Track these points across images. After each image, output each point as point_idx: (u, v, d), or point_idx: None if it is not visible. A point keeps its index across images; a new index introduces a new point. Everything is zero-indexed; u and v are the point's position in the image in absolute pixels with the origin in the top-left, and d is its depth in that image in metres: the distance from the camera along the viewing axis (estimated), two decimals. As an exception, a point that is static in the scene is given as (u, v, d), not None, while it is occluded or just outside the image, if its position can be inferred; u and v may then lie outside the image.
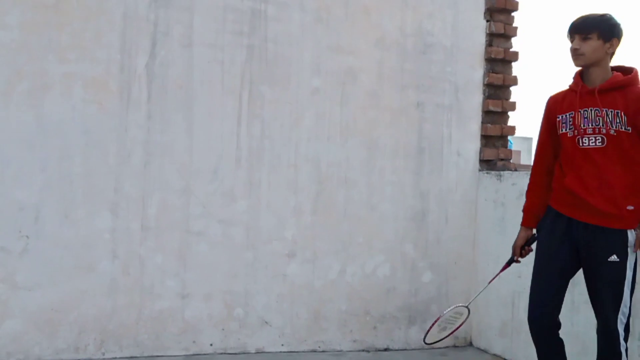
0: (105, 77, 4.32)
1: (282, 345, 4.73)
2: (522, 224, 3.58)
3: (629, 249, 3.13)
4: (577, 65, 3.21)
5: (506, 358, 4.82)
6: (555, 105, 3.34)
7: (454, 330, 3.72)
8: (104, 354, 4.34)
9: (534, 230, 3.54)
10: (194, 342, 4.53)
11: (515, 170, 5.19)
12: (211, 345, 4.57)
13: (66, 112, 4.24)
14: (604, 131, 3.11)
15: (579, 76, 3.26)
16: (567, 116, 3.24)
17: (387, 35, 4.97)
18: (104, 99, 4.32)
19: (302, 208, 4.77)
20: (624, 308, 3.13)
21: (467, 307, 3.71)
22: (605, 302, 3.17)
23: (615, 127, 3.09)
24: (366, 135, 4.92)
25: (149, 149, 4.41)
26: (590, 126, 3.15)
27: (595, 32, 3.13)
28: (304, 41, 4.76)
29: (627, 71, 3.23)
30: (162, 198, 4.45)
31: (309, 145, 4.78)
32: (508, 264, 3.61)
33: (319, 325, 4.82)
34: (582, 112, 3.18)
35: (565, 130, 3.25)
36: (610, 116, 3.10)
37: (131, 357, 4.39)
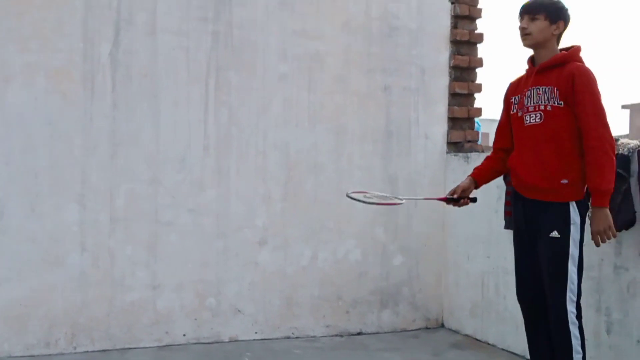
0: (68, 66, 4.25)
1: (256, 333, 4.73)
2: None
3: (572, 226, 3.16)
4: (525, 44, 3.32)
5: (477, 338, 4.88)
6: (511, 89, 3.50)
7: (378, 203, 3.82)
8: (75, 348, 4.30)
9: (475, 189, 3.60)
10: (166, 332, 4.51)
11: (483, 151, 5.23)
12: (184, 335, 4.55)
13: (29, 103, 4.17)
14: (542, 107, 3.22)
15: (531, 59, 3.40)
16: (518, 97, 3.38)
17: (353, 19, 4.96)
18: (68, 89, 4.25)
19: (272, 195, 4.76)
20: (571, 285, 3.14)
21: (401, 201, 3.76)
22: (551, 278, 3.19)
23: (551, 103, 3.19)
24: (334, 120, 4.92)
25: (115, 139, 4.36)
26: (532, 104, 3.27)
27: (542, 13, 3.25)
28: (269, 26, 4.73)
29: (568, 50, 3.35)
30: (130, 189, 4.40)
31: (277, 132, 4.76)
32: (446, 199, 3.56)
33: (291, 311, 4.83)
34: (527, 91, 3.31)
35: (515, 110, 3.38)
36: (547, 93, 3.21)
37: (103, 350, 4.35)
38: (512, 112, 3.40)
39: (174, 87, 4.49)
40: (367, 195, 3.71)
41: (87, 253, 4.31)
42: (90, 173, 4.31)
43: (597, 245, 3.16)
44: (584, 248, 3.20)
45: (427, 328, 5.20)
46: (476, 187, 3.57)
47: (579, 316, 3.16)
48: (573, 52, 3.28)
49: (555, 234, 3.16)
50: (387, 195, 3.84)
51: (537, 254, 3.30)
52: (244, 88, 4.67)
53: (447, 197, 3.55)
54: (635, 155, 3.63)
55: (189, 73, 4.53)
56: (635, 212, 3.58)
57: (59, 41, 4.22)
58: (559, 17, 3.27)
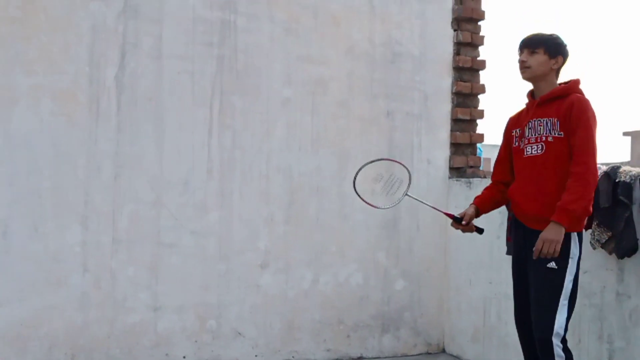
0: (74, 89, 4.29)
1: (256, 356, 4.71)
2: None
3: (570, 260, 3.17)
4: (523, 77, 3.39)
5: (479, 364, 4.86)
6: (511, 123, 3.56)
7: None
8: (75, 369, 4.28)
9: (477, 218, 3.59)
10: (166, 355, 4.49)
11: (485, 177, 5.25)
12: (184, 357, 4.54)
13: (34, 125, 4.20)
14: (543, 139, 3.27)
15: (530, 93, 3.46)
16: (519, 130, 3.43)
17: (357, 45, 5.01)
18: (73, 111, 4.28)
19: (275, 218, 4.77)
20: (559, 319, 3.12)
21: (405, 193, 3.72)
22: (541, 309, 3.17)
23: (552, 134, 3.24)
24: (337, 144, 4.95)
25: (119, 161, 4.38)
26: (533, 136, 3.32)
27: (542, 47, 3.33)
28: (274, 52, 4.78)
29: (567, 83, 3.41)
30: (133, 210, 4.41)
31: (281, 155, 4.79)
32: (453, 217, 3.56)
33: (292, 335, 4.82)
34: (528, 124, 3.36)
35: (517, 143, 3.43)
36: (548, 124, 3.27)
37: (103, 372, 4.34)
38: (514, 145, 3.45)
39: (178, 111, 4.53)
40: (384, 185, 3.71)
41: (89, 274, 4.32)
42: (94, 194, 4.33)
43: (535, 253, 3.14)
44: (586, 275, 3.21)
45: (428, 353, 5.18)
46: (477, 216, 3.59)
47: (565, 349, 3.14)
48: (573, 85, 3.35)
49: (552, 264, 3.16)
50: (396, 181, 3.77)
51: (531, 284, 3.28)
52: (248, 112, 4.70)
53: (455, 216, 3.56)
54: (637, 182, 3.65)
55: (194, 97, 4.57)
56: (638, 239, 3.59)
57: (65, 64, 4.26)
58: (558, 52, 3.35)
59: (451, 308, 5.18)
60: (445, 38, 5.31)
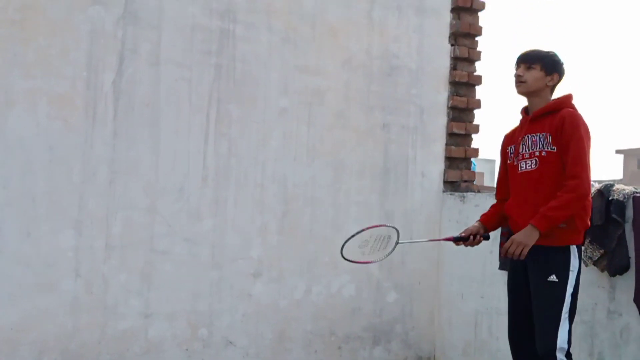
0: (71, 93, 4.28)
1: (246, 365, 4.70)
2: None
3: (570, 272, 3.18)
4: (518, 91, 3.41)
5: (469, 378, 4.86)
6: (507, 140, 3.58)
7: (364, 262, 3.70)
8: (64, 374, 4.26)
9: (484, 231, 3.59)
10: (156, 362, 4.48)
11: (479, 191, 5.27)
12: (174, 365, 4.52)
13: (30, 128, 4.19)
14: (537, 154, 3.30)
15: (524, 110, 3.49)
16: (513, 147, 3.46)
17: (354, 57, 5.04)
18: (70, 115, 4.28)
19: (268, 227, 4.77)
20: (562, 333, 3.12)
21: (396, 241, 3.69)
22: (543, 324, 3.17)
23: (546, 149, 3.26)
24: (333, 155, 4.96)
25: (114, 166, 4.38)
26: (527, 151, 3.35)
27: (538, 63, 3.35)
28: (271, 61, 4.79)
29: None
30: (127, 216, 4.41)
31: (276, 165, 4.80)
32: (453, 239, 3.58)
33: (283, 345, 4.81)
34: (521, 139, 3.39)
35: (512, 160, 3.45)
36: (541, 139, 3.29)
37: (92, 378, 4.32)
38: (508, 162, 3.48)
39: (175, 118, 4.53)
40: (365, 246, 3.65)
41: (81, 279, 4.30)
42: (88, 199, 4.32)
43: (504, 252, 3.20)
44: (578, 292, 3.21)
45: (418, 367, 5.18)
46: (485, 232, 3.58)
47: None
48: (565, 100, 3.38)
49: (553, 277, 3.17)
50: (388, 234, 3.73)
51: (532, 300, 3.28)
52: (244, 121, 4.71)
53: (455, 236, 3.56)
54: (630, 201, 3.67)
55: (191, 104, 4.58)
56: (630, 257, 3.61)
57: (63, 68, 4.26)
58: (555, 69, 3.38)
59: (442, 321, 5.19)
60: (442, 52, 5.34)
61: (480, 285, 4.82)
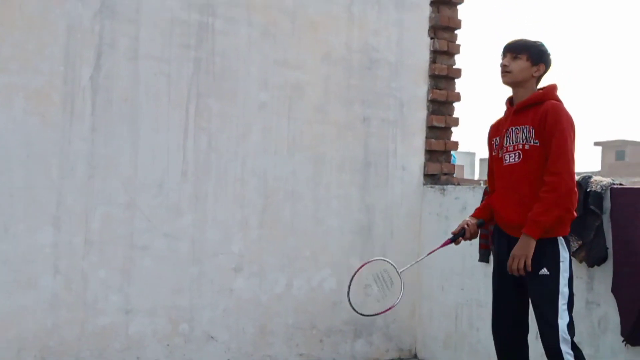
0: (48, 88, 4.24)
1: (228, 360, 4.70)
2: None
3: (561, 263, 3.16)
4: (504, 82, 3.37)
5: (450, 370, 4.89)
6: (492, 131, 3.54)
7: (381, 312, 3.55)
8: (44, 371, 4.23)
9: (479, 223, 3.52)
10: (138, 358, 4.46)
11: (458, 184, 5.30)
12: (155, 361, 4.51)
13: (7, 124, 4.14)
14: (520, 147, 3.26)
15: (509, 100, 3.44)
16: (498, 139, 3.42)
17: (334, 50, 5.03)
18: (47, 111, 4.23)
19: (249, 222, 4.76)
20: (562, 324, 3.08)
21: (398, 274, 3.54)
22: (543, 318, 3.14)
23: (529, 142, 3.23)
24: (313, 149, 4.96)
25: (92, 162, 4.34)
26: (511, 144, 3.31)
27: (525, 53, 3.30)
28: (251, 55, 4.78)
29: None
30: (106, 212, 4.38)
31: (256, 159, 4.79)
32: (450, 240, 3.50)
33: (265, 339, 4.81)
34: (506, 132, 3.35)
35: (497, 152, 3.42)
36: (524, 132, 3.25)
37: (73, 375, 4.29)
38: (493, 154, 3.45)
39: (154, 112, 4.50)
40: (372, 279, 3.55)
41: (60, 275, 4.27)
42: (66, 195, 4.28)
43: (508, 268, 3.17)
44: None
45: (400, 358, 5.21)
46: (481, 226, 3.52)
47: (577, 356, 3.09)
48: (548, 91, 3.33)
49: (544, 271, 3.14)
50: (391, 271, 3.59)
51: (521, 292, 3.28)
52: (224, 115, 4.69)
53: (450, 237, 3.49)
54: (608, 192, 3.71)
55: (170, 99, 4.55)
56: (608, 248, 3.65)
57: (39, 63, 4.22)
58: (541, 59, 3.33)
59: (423, 314, 5.21)
60: (421, 46, 5.36)
61: (460, 277, 4.85)
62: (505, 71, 3.33)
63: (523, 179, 3.25)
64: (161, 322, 4.52)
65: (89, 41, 4.33)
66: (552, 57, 3.39)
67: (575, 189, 3.19)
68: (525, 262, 3.14)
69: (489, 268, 4.53)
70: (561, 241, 3.19)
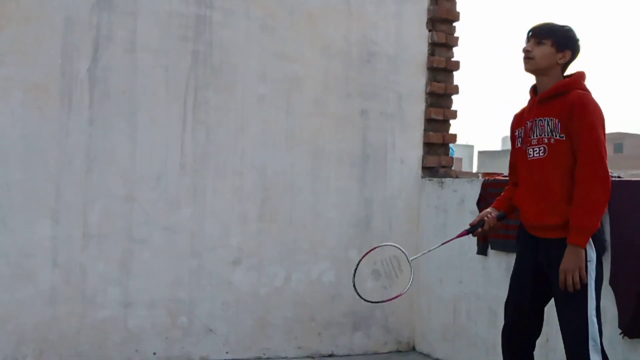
0: (46, 81, 4.23)
1: (227, 353, 4.70)
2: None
3: (588, 263, 2.89)
4: (526, 69, 3.12)
5: (448, 362, 4.90)
6: (515, 121, 3.29)
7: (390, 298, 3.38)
8: (43, 364, 4.23)
9: (499, 215, 3.32)
10: (136, 351, 4.46)
11: (457, 177, 5.30)
12: (154, 354, 4.51)
13: (4, 117, 4.14)
14: (546, 141, 3.01)
15: (533, 89, 3.19)
16: (521, 130, 3.18)
17: (332, 43, 5.02)
18: (45, 104, 4.23)
19: (248, 215, 4.76)
20: (592, 330, 2.86)
21: (408, 261, 3.40)
22: (569, 325, 2.92)
23: (555, 136, 2.98)
24: (311, 142, 4.95)
25: (90, 155, 4.34)
26: (535, 137, 3.06)
27: (550, 38, 3.05)
28: (249, 48, 4.76)
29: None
30: (104, 205, 4.38)
31: (255, 152, 4.78)
32: (467, 232, 3.31)
33: (264, 332, 4.81)
34: (529, 123, 3.11)
35: (520, 144, 3.17)
36: (550, 125, 3.00)
37: (72, 368, 4.30)
38: (517, 146, 3.21)
39: (152, 105, 4.50)
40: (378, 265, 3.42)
41: (59, 269, 4.27)
42: (65, 188, 4.28)
43: (562, 285, 2.89)
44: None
45: (398, 351, 5.21)
46: (502, 218, 3.31)
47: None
48: (575, 80, 3.06)
49: None
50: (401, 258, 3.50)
51: (540, 299, 3.12)
52: (222, 108, 4.69)
53: (468, 228, 3.30)
54: (606, 185, 3.70)
55: (168, 91, 4.54)
56: (606, 241, 3.65)
57: (37, 56, 4.21)
58: (567, 46, 3.06)
59: (422, 307, 5.22)
60: (420, 38, 5.34)
61: (458, 270, 4.85)
62: (527, 57, 3.07)
63: (548, 175, 3.01)
64: (160, 315, 4.52)
65: (87, 34, 4.33)
66: (580, 43, 3.11)
67: (610, 183, 2.91)
68: (580, 275, 2.85)
69: (487, 261, 4.54)
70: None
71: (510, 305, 3.23)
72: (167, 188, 4.53)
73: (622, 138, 45.37)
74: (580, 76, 3.08)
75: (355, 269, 3.34)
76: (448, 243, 3.46)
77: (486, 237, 4.39)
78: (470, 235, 3.33)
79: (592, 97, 3.00)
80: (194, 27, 4.61)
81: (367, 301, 3.34)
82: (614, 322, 3.61)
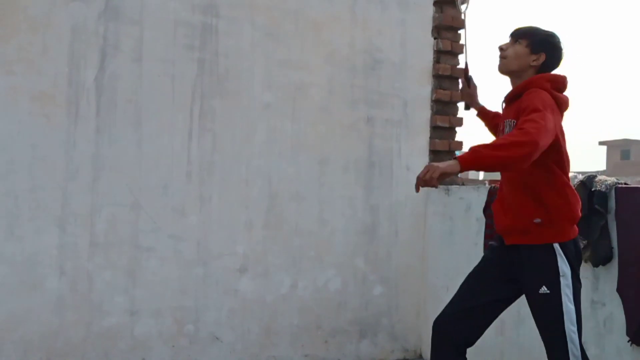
0: (53, 90, 4.25)
1: (233, 361, 4.70)
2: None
3: (561, 278, 2.79)
4: (498, 69, 3.05)
5: (455, 370, 4.88)
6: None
7: None
8: (50, 373, 4.24)
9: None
10: (143, 359, 4.46)
11: (463, 184, 5.29)
12: (161, 362, 4.51)
13: (12, 126, 4.16)
14: None
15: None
16: (501, 133, 3.09)
17: (338, 51, 5.03)
18: (52, 112, 4.25)
19: (254, 223, 4.76)
20: (572, 348, 2.79)
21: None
22: (548, 342, 2.85)
23: None
24: (317, 150, 4.96)
25: (97, 163, 4.35)
26: None
27: (525, 39, 2.97)
28: (254, 56, 4.78)
29: None
30: (111, 213, 4.39)
31: (260, 160, 4.79)
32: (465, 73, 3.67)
33: (270, 340, 4.81)
34: (501, 126, 3.06)
35: None
36: (511, 126, 2.88)
37: (78, 376, 4.30)
38: None
39: (158, 114, 4.51)
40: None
41: (66, 277, 4.28)
42: (71, 197, 4.29)
43: (418, 177, 2.66)
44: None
45: (405, 359, 5.20)
46: (471, 106, 3.58)
47: None
48: (536, 79, 2.93)
49: (544, 289, 2.80)
50: None
51: (499, 306, 3.04)
52: (228, 116, 4.70)
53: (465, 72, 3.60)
54: (613, 192, 3.70)
55: (174, 100, 4.56)
56: (613, 248, 3.64)
57: (44, 65, 4.23)
58: (542, 48, 2.96)
59: (428, 314, 5.20)
60: (425, 46, 5.35)
61: (465, 277, 4.83)
62: (501, 56, 3.00)
63: (513, 178, 2.94)
64: (166, 323, 4.53)
65: (93, 43, 4.35)
66: (560, 50, 3.00)
67: (539, 144, 2.62)
68: (432, 177, 2.64)
69: (493, 268, 4.52)
70: (558, 252, 2.82)
71: (459, 298, 3.09)
72: (173, 196, 4.54)
73: (628, 145, 45.24)
74: (541, 77, 2.93)
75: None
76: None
77: None
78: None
79: (545, 93, 2.84)
80: (200, 35, 4.63)
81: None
82: (622, 330, 3.60)
